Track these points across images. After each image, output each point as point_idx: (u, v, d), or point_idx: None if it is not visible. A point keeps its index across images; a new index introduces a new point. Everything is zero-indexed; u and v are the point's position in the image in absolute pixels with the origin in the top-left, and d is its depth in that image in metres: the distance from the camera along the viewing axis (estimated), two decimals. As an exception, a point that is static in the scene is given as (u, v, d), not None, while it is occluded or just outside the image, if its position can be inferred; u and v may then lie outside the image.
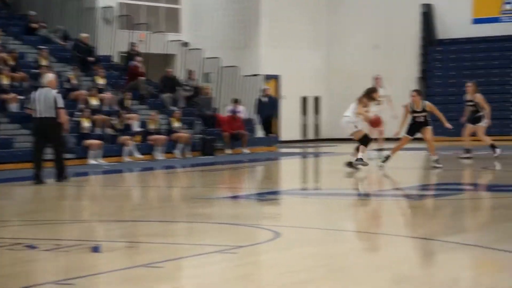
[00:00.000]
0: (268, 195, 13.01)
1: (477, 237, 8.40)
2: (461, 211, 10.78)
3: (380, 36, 29.96)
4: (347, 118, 16.36)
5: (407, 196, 12.60)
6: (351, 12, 30.38)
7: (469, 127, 18.59)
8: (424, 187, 14.14)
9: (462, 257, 7.35)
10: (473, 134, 18.66)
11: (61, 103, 14.52)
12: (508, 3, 28.25)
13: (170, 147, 21.77)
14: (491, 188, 13.59)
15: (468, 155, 18.45)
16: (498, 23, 28.35)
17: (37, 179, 14.48)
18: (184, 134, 22.02)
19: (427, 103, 16.92)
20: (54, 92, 14.58)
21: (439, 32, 29.19)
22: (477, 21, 28.67)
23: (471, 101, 18.64)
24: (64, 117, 14.57)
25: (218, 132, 23.57)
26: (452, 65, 28.59)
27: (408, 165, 19.09)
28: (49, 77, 14.98)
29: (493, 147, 18.44)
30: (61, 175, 14.68)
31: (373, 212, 10.96)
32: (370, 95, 16.65)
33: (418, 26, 29.11)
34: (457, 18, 28.85)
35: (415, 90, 17.19)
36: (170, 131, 22.01)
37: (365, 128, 16.96)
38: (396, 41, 29.71)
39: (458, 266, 6.91)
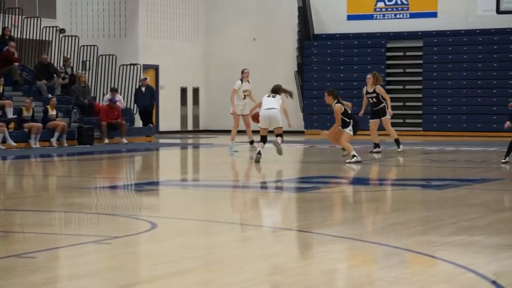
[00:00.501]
0: (146, 186, 12.98)
1: (350, 230, 8.66)
2: (336, 204, 11.06)
3: (258, 29, 30.27)
4: (276, 110, 16.46)
5: (282, 188, 12.82)
6: (230, 4, 30.57)
7: (375, 121, 18.43)
8: (304, 179, 14.41)
9: (335, 249, 7.57)
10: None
11: None
12: (381, 1, 29.02)
13: (46, 135, 21.37)
14: (369, 181, 13.98)
15: (378, 149, 18.34)
16: (371, 20, 29.10)
17: None
18: (60, 122, 21.67)
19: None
20: None
21: (315, 27, 29.71)
22: (352, 17, 29.34)
23: (372, 93, 18.33)
24: None
25: (95, 121, 23.30)
26: (328, 59, 29.16)
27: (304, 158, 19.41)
28: None
29: (397, 142, 18.56)
30: None
31: (250, 204, 11.11)
32: (285, 90, 17.00)
33: (296, 20, 29.55)
34: (333, 14, 29.44)
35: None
36: (46, 119, 21.60)
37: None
38: (274, 34, 30.08)
39: (331, 258, 7.11)
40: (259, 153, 16.16)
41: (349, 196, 11.82)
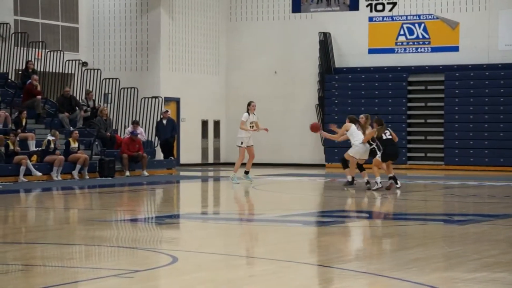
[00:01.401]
0: (167, 219, 12.97)
1: (371, 265, 8.59)
2: (357, 238, 11.00)
3: (279, 62, 30.37)
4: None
5: (303, 222, 12.76)
6: (251, 37, 30.71)
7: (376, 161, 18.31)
8: (325, 213, 14.34)
9: (357, 285, 7.50)
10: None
11: None
12: (402, 35, 29.06)
13: (68, 168, 21.46)
14: (390, 215, 13.90)
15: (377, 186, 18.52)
16: (392, 53, 29.12)
17: None
18: (82, 155, 21.76)
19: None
20: None
21: (337, 61, 29.78)
22: (373, 51, 29.39)
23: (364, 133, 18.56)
24: None
25: (117, 153, 23.38)
26: (349, 93, 29.18)
27: (324, 191, 19.35)
28: None
29: (394, 179, 18.48)
30: None
31: (270, 237, 11.06)
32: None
33: (317, 54, 29.63)
34: (354, 48, 29.50)
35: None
36: (67, 151, 21.70)
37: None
38: (295, 67, 30.16)
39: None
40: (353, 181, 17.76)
41: (370, 230, 11.75)
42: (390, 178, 18.05)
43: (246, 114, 19.89)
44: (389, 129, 18.42)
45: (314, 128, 19.63)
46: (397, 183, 18.03)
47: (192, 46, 29.45)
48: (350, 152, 18.13)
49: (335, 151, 28.85)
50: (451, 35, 28.25)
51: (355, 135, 18.09)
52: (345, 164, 18.56)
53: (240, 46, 30.84)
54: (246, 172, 20.24)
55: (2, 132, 21.15)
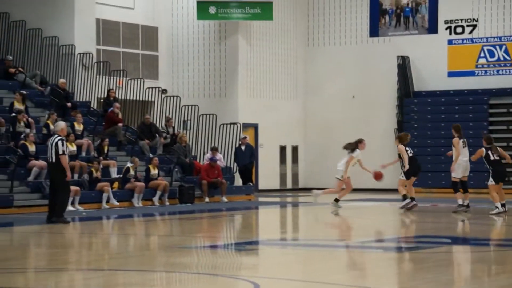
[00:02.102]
0: (247, 245, 12.98)
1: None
2: (442, 264, 10.81)
3: (357, 87, 30.24)
4: None
5: (384, 248, 12.62)
6: (328, 62, 30.69)
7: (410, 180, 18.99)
8: (403, 239, 14.16)
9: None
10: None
11: (61, 149, 15.75)
12: (483, 57, 28.66)
13: (148, 194, 21.71)
14: (475, 241, 13.64)
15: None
16: (473, 76, 28.72)
17: (48, 219, 16.03)
18: (162, 182, 21.99)
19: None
20: (57, 138, 15.88)
21: (415, 84, 29.51)
22: (452, 74, 29.03)
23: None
24: (64, 162, 15.82)
25: (196, 180, 23.56)
26: (428, 116, 28.85)
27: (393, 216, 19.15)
28: (60, 125, 16.44)
29: (406, 197, 18.87)
30: (51, 217, 16.01)
31: (352, 263, 10.96)
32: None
33: (395, 78, 29.42)
34: (433, 71, 29.21)
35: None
36: (148, 178, 21.97)
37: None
38: (373, 92, 29.99)
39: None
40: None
41: (451, 257, 11.54)
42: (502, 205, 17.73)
43: (358, 151, 19.79)
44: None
45: (378, 177, 19.63)
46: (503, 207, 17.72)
47: (270, 72, 29.58)
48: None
49: (415, 176, 28.47)
50: (533, 56, 27.76)
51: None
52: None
53: (317, 71, 30.84)
54: (337, 200, 20.08)
55: (85, 159, 21.55)
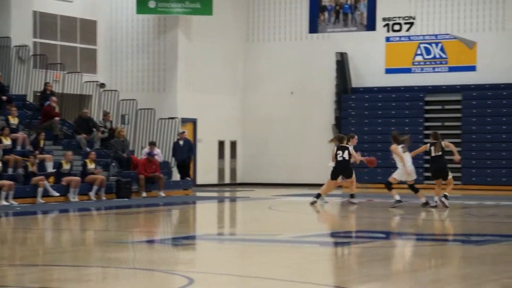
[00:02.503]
0: (184, 240, 12.97)
1: (387, 286, 8.54)
2: (373, 259, 10.94)
3: (296, 83, 30.39)
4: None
5: (320, 243, 12.72)
6: (268, 58, 30.77)
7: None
8: (342, 233, 14.30)
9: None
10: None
11: None
12: (420, 54, 29.05)
13: (84, 189, 21.52)
14: (407, 236, 13.83)
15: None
16: (409, 73, 29.10)
17: None
18: (98, 176, 21.82)
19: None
20: None
21: (354, 81, 29.78)
22: (390, 71, 29.38)
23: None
24: None
25: (133, 174, 23.43)
26: (365, 113, 29.15)
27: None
28: None
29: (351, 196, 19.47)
30: None
31: (287, 258, 11.03)
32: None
33: (333, 74, 29.64)
34: (371, 68, 29.50)
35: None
36: (84, 172, 21.77)
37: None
38: (312, 88, 30.16)
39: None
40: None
41: (387, 252, 11.69)
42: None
43: (350, 147, 19.76)
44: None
45: (371, 163, 19.98)
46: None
47: (209, 67, 29.53)
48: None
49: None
50: (468, 54, 28.19)
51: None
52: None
53: (257, 67, 30.90)
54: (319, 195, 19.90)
55: (20, 153, 21.26)
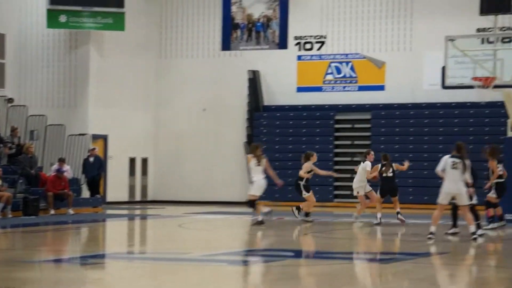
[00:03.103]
0: (92, 259, 12.80)
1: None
2: (281, 278, 11.02)
3: (209, 100, 30.43)
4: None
5: (230, 261, 12.74)
6: (180, 74, 30.75)
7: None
8: (252, 252, 14.33)
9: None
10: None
11: None
12: (330, 73, 29.47)
13: (-10, 206, 21.03)
14: (314, 254, 13.95)
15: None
16: (320, 92, 29.47)
17: None
18: (5, 193, 21.36)
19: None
20: None
21: (265, 98, 29.99)
22: (301, 89, 29.70)
23: None
24: None
25: (41, 191, 23.03)
26: (277, 130, 29.37)
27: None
28: None
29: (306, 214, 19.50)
30: None
31: (196, 277, 11.00)
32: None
33: (246, 91, 29.81)
34: (283, 86, 29.76)
35: None
36: (-9, 189, 21.28)
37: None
38: (224, 105, 30.26)
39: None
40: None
41: (294, 270, 11.78)
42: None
43: (368, 163, 19.74)
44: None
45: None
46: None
47: (121, 83, 29.33)
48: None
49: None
50: (377, 74, 28.72)
51: None
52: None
53: (169, 83, 30.84)
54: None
55: None
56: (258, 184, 18.51)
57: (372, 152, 20.56)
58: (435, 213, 15.25)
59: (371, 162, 20.02)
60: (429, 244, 14.57)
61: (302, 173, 19.70)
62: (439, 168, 15.26)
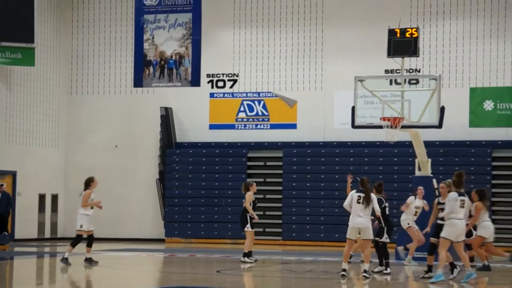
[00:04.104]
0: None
1: None
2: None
3: (121, 136, 30.23)
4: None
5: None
6: (91, 111, 30.49)
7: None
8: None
9: None
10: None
11: None
12: (243, 111, 29.67)
13: None
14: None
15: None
16: (233, 129, 29.62)
17: None
18: None
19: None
20: None
21: (178, 135, 29.97)
22: (214, 126, 29.80)
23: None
24: None
25: None
26: (189, 167, 29.33)
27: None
28: None
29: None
30: None
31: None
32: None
33: (158, 128, 29.73)
34: (195, 123, 29.80)
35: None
36: None
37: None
38: (136, 141, 30.11)
39: None
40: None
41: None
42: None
43: (412, 197, 18.90)
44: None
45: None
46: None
47: (30, 119, 28.91)
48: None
49: (175, 226, 28.82)
50: (289, 112, 29.05)
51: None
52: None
53: (80, 119, 30.53)
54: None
55: None
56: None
57: (420, 188, 19.25)
58: (345, 249, 15.48)
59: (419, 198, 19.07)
60: (342, 283, 14.74)
61: (247, 204, 19.11)
62: (346, 203, 15.61)
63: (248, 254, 18.90)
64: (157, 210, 29.51)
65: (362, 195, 15.40)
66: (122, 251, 23.94)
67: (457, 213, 14.66)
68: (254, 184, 19.69)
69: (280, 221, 28.51)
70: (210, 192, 28.82)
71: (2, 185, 25.79)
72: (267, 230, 28.52)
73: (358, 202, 15.37)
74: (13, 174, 28.24)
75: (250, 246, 18.98)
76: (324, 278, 16.16)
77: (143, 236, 29.52)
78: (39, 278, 17.62)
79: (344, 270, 15.30)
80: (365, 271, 15.23)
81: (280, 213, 28.47)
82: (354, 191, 15.63)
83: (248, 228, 18.95)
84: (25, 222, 28.61)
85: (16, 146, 28.30)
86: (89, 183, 18.74)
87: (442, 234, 14.72)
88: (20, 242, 27.40)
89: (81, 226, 18.38)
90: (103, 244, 26.60)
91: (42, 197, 29.71)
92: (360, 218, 15.32)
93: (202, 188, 28.92)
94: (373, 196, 15.64)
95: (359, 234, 15.49)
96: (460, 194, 14.77)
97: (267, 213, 28.54)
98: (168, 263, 20.35)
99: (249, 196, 19.15)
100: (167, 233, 29.05)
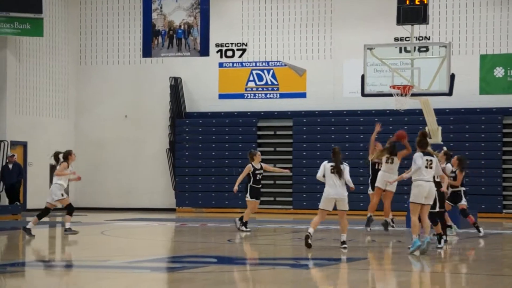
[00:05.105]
0: (11, 267, 12.59)
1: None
2: (204, 284, 11.04)
3: (130, 106, 30.24)
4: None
5: (151, 268, 12.70)
6: (101, 81, 30.48)
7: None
8: (174, 259, 14.31)
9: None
10: None
11: None
12: (252, 80, 29.61)
13: None
14: (239, 260, 14.01)
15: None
16: (242, 99, 29.59)
17: None
18: None
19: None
20: None
21: (187, 105, 29.96)
22: (223, 96, 29.77)
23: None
24: None
25: (-42, 199, 22.57)
26: (199, 137, 29.36)
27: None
28: None
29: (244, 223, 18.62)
30: None
31: (119, 284, 10.93)
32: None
33: (168, 98, 29.72)
34: (204, 93, 29.78)
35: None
36: None
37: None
38: (146, 112, 30.11)
39: None
40: None
41: (218, 276, 11.82)
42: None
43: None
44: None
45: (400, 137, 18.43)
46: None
47: (40, 89, 28.93)
48: None
49: (186, 195, 28.90)
50: (298, 82, 28.99)
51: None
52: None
53: (90, 90, 30.54)
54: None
55: None
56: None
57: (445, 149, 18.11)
58: (316, 219, 14.87)
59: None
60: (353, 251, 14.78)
61: (241, 175, 18.73)
62: (318, 174, 15.06)
63: (245, 223, 18.70)
64: (167, 180, 29.57)
65: (334, 164, 14.79)
66: (133, 220, 24.05)
67: (423, 174, 13.98)
68: (258, 153, 19.30)
69: (290, 190, 28.56)
70: (220, 162, 28.85)
71: (13, 155, 25.89)
72: (277, 199, 28.59)
73: (332, 172, 14.83)
74: (24, 145, 28.33)
75: (248, 215, 18.77)
76: (335, 246, 16.20)
77: (154, 206, 29.63)
78: (51, 247, 17.74)
79: (309, 233, 14.72)
80: (343, 242, 14.81)
81: (290, 182, 28.50)
82: (326, 161, 15.19)
83: (247, 197, 18.79)
84: (36, 192, 28.74)
85: (26, 116, 28.35)
86: (67, 156, 18.80)
87: (410, 199, 14.02)
88: (32, 212, 27.52)
89: (62, 195, 18.41)
90: (115, 214, 26.74)
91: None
92: (335, 189, 14.81)
93: (212, 157, 28.96)
94: (344, 166, 14.94)
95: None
96: (426, 154, 14.11)
97: (277, 182, 28.59)
98: (179, 232, 20.44)
99: (247, 168, 18.81)
100: (178, 203, 29.16)
